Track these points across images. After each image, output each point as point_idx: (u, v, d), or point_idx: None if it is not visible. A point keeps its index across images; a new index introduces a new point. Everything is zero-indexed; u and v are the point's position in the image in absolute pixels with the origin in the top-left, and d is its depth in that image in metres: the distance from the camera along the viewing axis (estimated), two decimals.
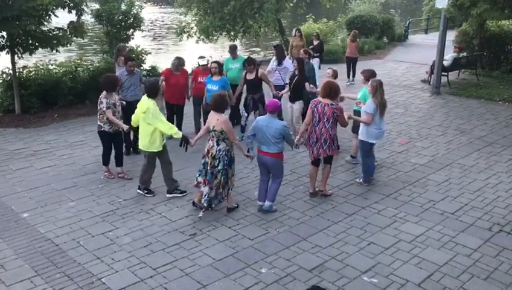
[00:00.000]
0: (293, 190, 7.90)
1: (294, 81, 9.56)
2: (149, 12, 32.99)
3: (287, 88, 10.01)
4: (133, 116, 7.73)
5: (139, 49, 14.05)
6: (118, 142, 8.36)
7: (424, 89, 14.80)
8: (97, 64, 13.39)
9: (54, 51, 11.43)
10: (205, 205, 6.93)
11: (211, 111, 7.07)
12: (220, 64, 9.83)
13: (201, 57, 10.51)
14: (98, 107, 7.98)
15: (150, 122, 7.29)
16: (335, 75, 9.18)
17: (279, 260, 6.06)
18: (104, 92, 7.97)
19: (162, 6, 39.17)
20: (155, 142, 7.39)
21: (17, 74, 11.53)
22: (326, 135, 7.33)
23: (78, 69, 12.86)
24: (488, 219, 7.13)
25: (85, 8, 11.60)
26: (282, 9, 18.72)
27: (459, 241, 6.53)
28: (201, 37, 18.33)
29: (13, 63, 11.39)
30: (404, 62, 19.00)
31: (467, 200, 7.70)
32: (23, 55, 11.34)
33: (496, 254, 6.27)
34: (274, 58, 11.29)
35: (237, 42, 19.12)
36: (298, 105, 9.62)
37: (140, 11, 13.64)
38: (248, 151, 7.18)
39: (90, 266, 5.85)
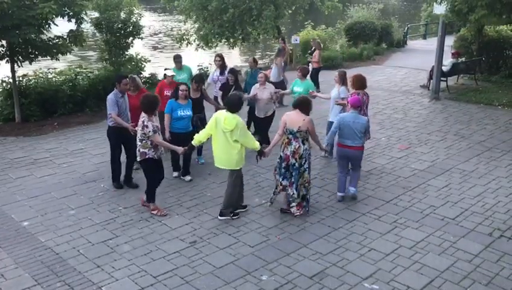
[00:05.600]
0: None
1: (232, 91, 9.53)
2: (153, 20, 33.07)
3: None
4: (202, 134, 7.07)
5: (139, 56, 14.12)
6: (162, 171, 7.42)
7: (423, 94, 14.81)
8: (97, 72, 13.43)
9: (55, 60, 11.48)
10: (292, 205, 7.21)
11: (292, 112, 7.17)
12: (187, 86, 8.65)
13: (168, 69, 9.78)
14: (140, 132, 7.04)
15: (238, 139, 6.77)
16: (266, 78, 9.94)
17: (279, 267, 6.05)
18: (146, 115, 7.01)
19: (161, 14, 39.42)
20: (242, 158, 6.97)
21: (17, 82, 11.58)
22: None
23: (78, 77, 12.90)
24: (488, 224, 7.13)
25: (84, 17, 11.64)
26: (281, 16, 18.77)
27: (460, 247, 6.53)
28: (201, 44, 18.39)
29: (13, 71, 11.43)
30: (403, 68, 19.03)
31: (467, 206, 7.70)
32: (23, 64, 11.38)
33: (497, 260, 6.27)
34: (215, 68, 10.87)
35: (237, 49, 19.19)
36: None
37: (139, 19, 13.70)
38: (327, 146, 8.31)
39: (91, 275, 5.84)
